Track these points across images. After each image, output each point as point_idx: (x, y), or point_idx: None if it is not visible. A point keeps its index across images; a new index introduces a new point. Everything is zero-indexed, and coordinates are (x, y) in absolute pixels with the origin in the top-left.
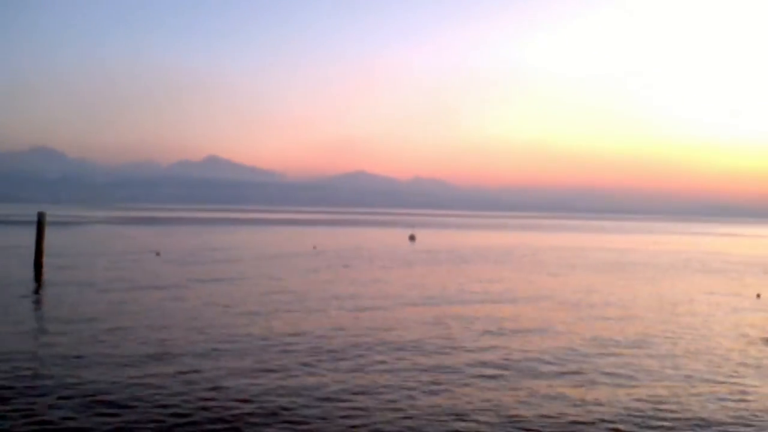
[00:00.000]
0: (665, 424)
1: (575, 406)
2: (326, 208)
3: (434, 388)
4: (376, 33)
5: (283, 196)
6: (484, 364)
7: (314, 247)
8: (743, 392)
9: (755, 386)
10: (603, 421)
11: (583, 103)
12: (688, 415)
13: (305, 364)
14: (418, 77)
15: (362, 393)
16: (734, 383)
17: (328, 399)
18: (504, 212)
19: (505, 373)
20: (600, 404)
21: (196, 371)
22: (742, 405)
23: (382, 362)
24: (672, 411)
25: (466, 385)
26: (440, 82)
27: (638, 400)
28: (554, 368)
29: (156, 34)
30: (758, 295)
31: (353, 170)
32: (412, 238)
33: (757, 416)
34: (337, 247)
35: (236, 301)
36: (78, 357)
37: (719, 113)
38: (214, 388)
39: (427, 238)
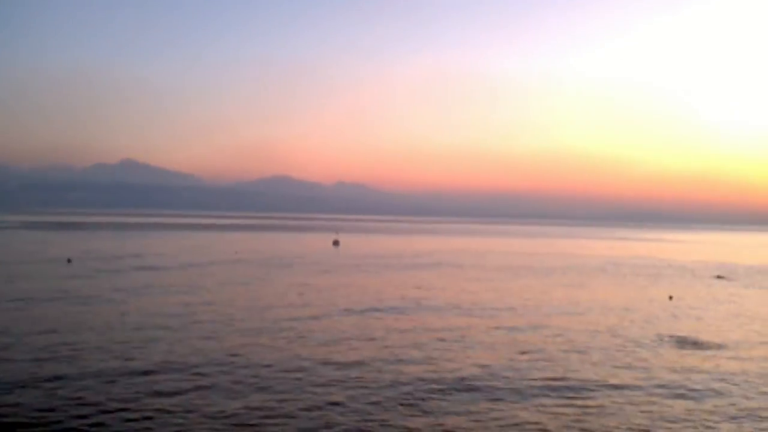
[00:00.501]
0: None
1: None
2: (248, 213)
3: (355, 405)
4: (298, 36)
5: (203, 200)
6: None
7: (236, 253)
8: (653, 401)
9: (665, 387)
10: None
11: (511, 107)
12: (614, 420)
13: (225, 380)
14: (340, 81)
15: (279, 416)
16: (646, 385)
17: (239, 424)
18: (429, 217)
19: (433, 386)
20: (518, 418)
21: (101, 392)
22: (654, 408)
23: (300, 379)
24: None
25: (404, 404)
26: (364, 87)
27: (556, 414)
28: (461, 385)
29: (69, 34)
30: (670, 297)
31: (276, 174)
32: (336, 243)
33: (671, 418)
34: (259, 253)
35: (151, 314)
36: None
37: (621, 123)
38: (115, 410)
39: (351, 243)
